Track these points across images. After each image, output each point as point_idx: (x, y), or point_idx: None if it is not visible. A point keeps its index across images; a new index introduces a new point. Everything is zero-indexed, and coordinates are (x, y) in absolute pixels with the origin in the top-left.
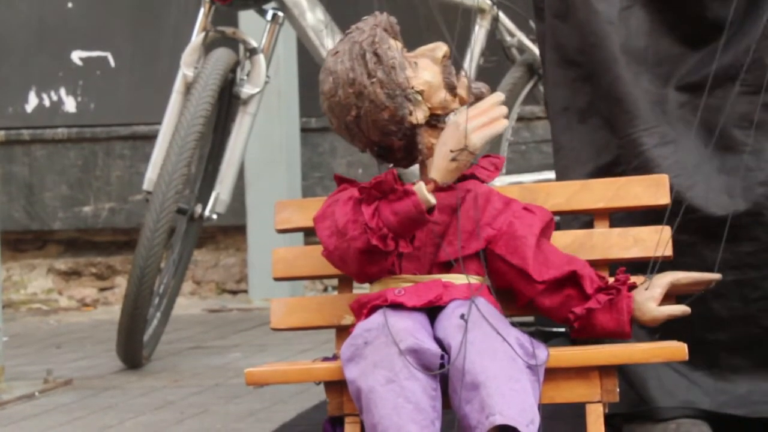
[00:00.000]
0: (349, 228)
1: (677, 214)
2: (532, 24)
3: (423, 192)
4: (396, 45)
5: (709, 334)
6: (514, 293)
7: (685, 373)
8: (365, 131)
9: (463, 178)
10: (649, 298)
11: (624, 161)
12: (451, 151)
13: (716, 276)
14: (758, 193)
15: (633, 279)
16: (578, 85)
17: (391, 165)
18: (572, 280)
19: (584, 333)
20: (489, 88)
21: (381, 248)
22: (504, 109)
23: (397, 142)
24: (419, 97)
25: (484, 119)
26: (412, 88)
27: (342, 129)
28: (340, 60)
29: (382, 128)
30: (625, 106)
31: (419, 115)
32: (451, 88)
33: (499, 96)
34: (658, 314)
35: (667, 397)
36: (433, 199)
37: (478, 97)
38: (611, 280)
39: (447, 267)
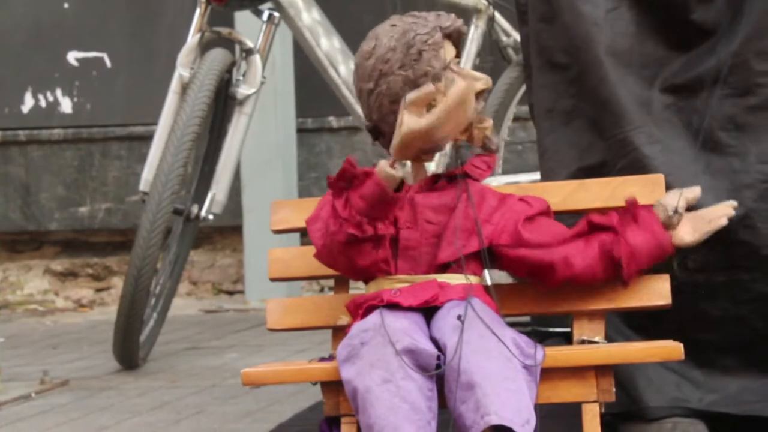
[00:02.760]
0: (330, 224)
1: None
2: None
3: (384, 170)
4: (449, 51)
5: (700, 334)
6: (542, 278)
7: (675, 372)
8: (371, 106)
9: (455, 178)
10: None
11: (610, 163)
12: (398, 125)
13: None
14: (745, 196)
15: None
16: (563, 88)
17: (376, 141)
18: (593, 228)
19: (634, 265)
20: (501, 146)
21: (358, 235)
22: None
23: (389, 132)
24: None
25: (424, 92)
26: (434, 101)
27: (356, 88)
28: (391, 35)
29: (384, 114)
30: (611, 107)
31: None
32: (466, 126)
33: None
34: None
35: (656, 396)
36: (397, 174)
37: (487, 150)
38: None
39: (444, 267)
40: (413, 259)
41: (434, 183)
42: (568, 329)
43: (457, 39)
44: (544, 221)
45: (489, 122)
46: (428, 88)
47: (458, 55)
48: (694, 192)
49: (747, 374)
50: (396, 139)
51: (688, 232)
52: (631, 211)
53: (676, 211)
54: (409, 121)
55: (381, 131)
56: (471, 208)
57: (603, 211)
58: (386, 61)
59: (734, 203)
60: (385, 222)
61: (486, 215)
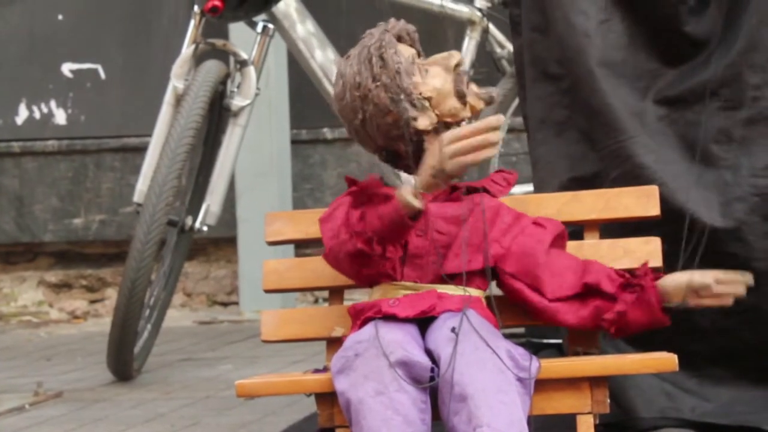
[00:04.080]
0: (341, 231)
1: (666, 223)
2: None
3: (404, 197)
4: (406, 51)
5: (690, 344)
6: (530, 310)
7: (666, 383)
8: (372, 135)
9: (473, 191)
10: (680, 281)
11: (603, 173)
12: (432, 167)
13: (748, 279)
14: (736, 209)
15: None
16: (556, 99)
17: (402, 170)
18: (592, 290)
19: (622, 333)
20: (498, 92)
21: (367, 252)
22: (497, 136)
23: (403, 147)
24: (426, 104)
25: (468, 145)
26: (420, 94)
27: (352, 132)
28: (350, 64)
29: (386, 132)
30: (604, 118)
31: (425, 122)
32: (461, 96)
33: (497, 120)
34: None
35: (648, 407)
36: (417, 204)
37: (488, 102)
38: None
39: (450, 278)
40: (420, 268)
41: (450, 193)
42: (561, 341)
43: (410, 39)
44: (554, 259)
45: (473, 85)
46: (480, 125)
47: (419, 54)
48: (703, 280)
49: (738, 385)
50: (424, 173)
51: (692, 298)
52: (637, 286)
53: (679, 306)
54: (453, 166)
55: (397, 152)
56: (482, 225)
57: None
58: (358, 86)
59: (749, 280)
60: (396, 245)
61: (497, 234)
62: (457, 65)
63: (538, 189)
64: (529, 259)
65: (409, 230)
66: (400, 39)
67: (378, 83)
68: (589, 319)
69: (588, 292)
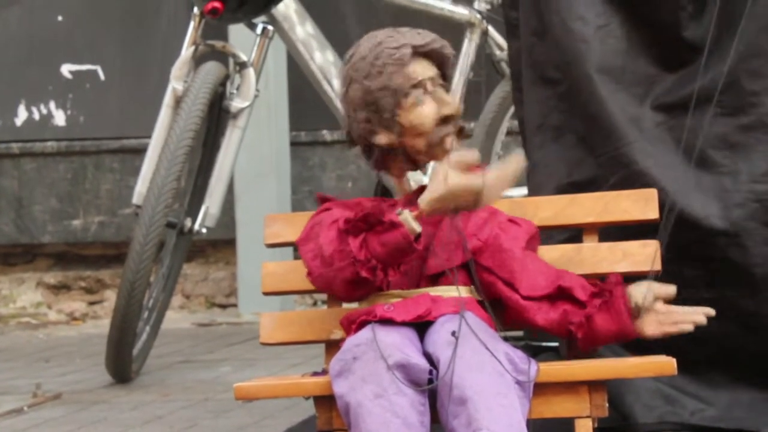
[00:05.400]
0: (336, 258)
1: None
2: None
3: (409, 222)
4: (424, 70)
5: (687, 348)
6: (503, 305)
7: (663, 387)
8: (343, 108)
9: None
10: (643, 288)
11: (601, 179)
12: (443, 200)
13: (709, 312)
14: (735, 215)
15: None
16: (553, 103)
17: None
18: (563, 294)
19: (590, 342)
20: (494, 160)
21: (370, 279)
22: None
23: (355, 137)
24: (397, 129)
25: (504, 183)
26: (395, 116)
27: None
28: (368, 44)
29: (349, 120)
30: (601, 123)
31: (382, 139)
32: (430, 145)
33: (519, 161)
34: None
35: (645, 412)
36: (418, 227)
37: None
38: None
39: (434, 279)
40: (404, 274)
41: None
42: (557, 344)
43: (440, 59)
44: (529, 259)
45: (455, 145)
46: (471, 155)
47: (445, 78)
48: (667, 290)
49: (736, 388)
50: (433, 194)
51: (652, 326)
52: (606, 293)
53: (638, 307)
54: (454, 177)
55: (351, 137)
56: (458, 221)
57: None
58: (356, 69)
59: (710, 311)
60: (396, 268)
61: (474, 229)
62: (448, 117)
63: (535, 193)
64: (505, 254)
65: (415, 252)
66: (426, 55)
67: (365, 83)
68: (557, 322)
69: (560, 295)
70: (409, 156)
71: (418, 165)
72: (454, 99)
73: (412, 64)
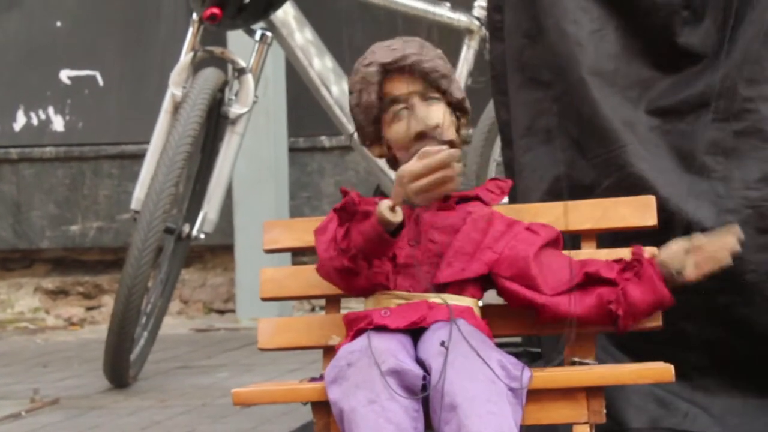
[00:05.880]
0: (330, 248)
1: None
2: None
3: (382, 213)
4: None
5: (680, 353)
6: (535, 313)
7: (655, 390)
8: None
9: (467, 200)
10: (675, 249)
11: (595, 182)
12: (400, 196)
13: (734, 230)
14: (728, 221)
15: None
16: (544, 106)
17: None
18: (593, 279)
19: (631, 318)
20: (492, 167)
21: (353, 268)
22: (457, 169)
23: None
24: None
25: (429, 183)
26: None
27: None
28: (373, 52)
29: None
30: (595, 127)
31: (375, 151)
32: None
33: (450, 156)
34: (683, 247)
35: (638, 417)
36: (395, 218)
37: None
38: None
39: (443, 288)
40: (413, 277)
41: (443, 202)
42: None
43: (423, 73)
44: (549, 258)
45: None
46: (435, 160)
47: (440, 89)
48: (696, 241)
49: (729, 394)
50: (395, 199)
51: (691, 270)
52: (634, 264)
53: (680, 273)
54: (421, 201)
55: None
56: (475, 233)
57: (592, 233)
58: (356, 73)
59: (739, 233)
60: (382, 259)
61: (491, 241)
62: (422, 134)
63: (524, 196)
64: (522, 262)
65: (391, 245)
66: (406, 70)
67: (351, 93)
68: (595, 306)
69: (589, 281)
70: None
71: None
72: (429, 116)
73: (386, 81)
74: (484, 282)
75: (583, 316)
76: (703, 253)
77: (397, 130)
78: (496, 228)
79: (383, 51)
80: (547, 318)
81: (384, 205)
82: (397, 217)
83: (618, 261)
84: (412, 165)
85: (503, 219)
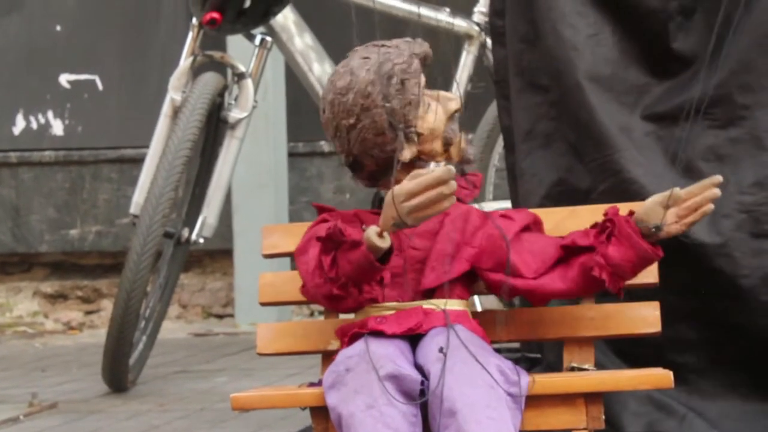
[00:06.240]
0: (316, 274)
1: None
2: None
3: (371, 240)
4: (421, 81)
5: (677, 356)
6: (525, 298)
7: (652, 396)
8: (351, 141)
9: None
10: (650, 203)
11: (591, 186)
12: (393, 218)
13: (716, 179)
14: (723, 226)
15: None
16: (543, 111)
17: (351, 176)
18: (571, 251)
19: (619, 279)
20: (491, 172)
21: (343, 296)
22: (453, 186)
23: (371, 165)
24: (416, 138)
25: (424, 201)
26: (415, 128)
27: (330, 125)
28: (367, 68)
29: (368, 148)
30: (591, 131)
31: (407, 154)
32: (447, 144)
33: (447, 172)
34: (660, 199)
35: (634, 421)
36: (384, 243)
37: (466, 161)
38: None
39: (430, 293)
40: (399, 286)
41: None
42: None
43: (425, 64)
44: (527, 242)
45: (464, 138)
46: (430, 178)
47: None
48: (675, 195)
49: (726, 398)
50: (385, 223)
51: (673, 225)
52: (608, 225)
53: (659, 228)
54: (413, 222)
55: (362, 165)
56: (454, 233)
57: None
58: (367, 96)
59: (718, 178)
60: (371, 284)
61: (468, 238)
62: (456, 111)
63: (524, 200)
64: (500, 251)
65: (381, 270)
66: (422, 62)
67: (387, 105)
68: (579, 276)
69: (568, 254)
70: (425, 160)
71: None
72: (454, 93)
73: (422, 75)
74: (470, 280)
75: (569, 289)
76: (684, 204)
77: (431, 119)
78: (472, 224)
79: (407, 45)
80: (538, 301)
81: (372, 231)
82: (386, 242)
83: (594, 226)
84: (407, 184)
85: (479, 213)
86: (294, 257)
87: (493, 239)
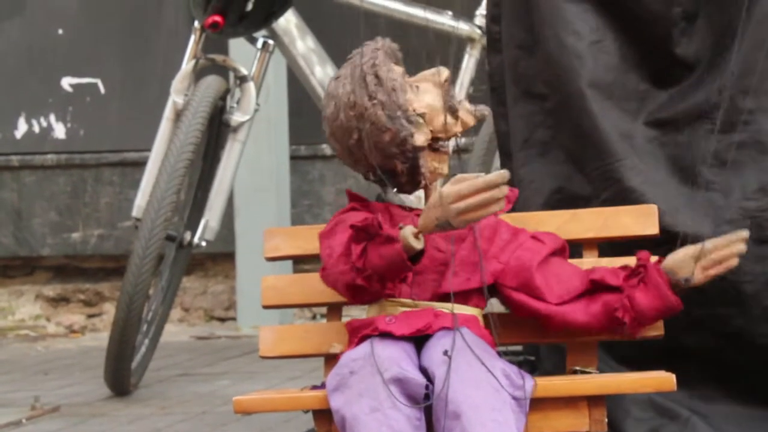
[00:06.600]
0: (341, 261)
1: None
2: None
3: (408, 239)
4: (397, 69)
5: (679, 363)
6: (541, 322)
7: (654, 400)
8: (367, 154)
9: None
10: (682, 255)
11: (592, 195)
12: (437, 219)
13: (742, 234)
14: (726, 232)
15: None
16: (540, 118)
17: (395, 189)
18: (599, 286)
19: (638, 325)
20: (490, 111)
21: (366, 287)
22: (504, 191)
23: (399, 165)
24: (420, 120)
25: (474, 203)
26: (414, 110)
27: (345, 154)
28: (342, 84)
29: (384, 150)
30: (592, 139)
31: (420, 138)
32: (453, 112)
33: (501, 176)
34: (692, 253)
35: (636, 427)
36: (419, 245)
37: (480, 119)
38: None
39: (447, 296)
40: (418, 285)
41: None
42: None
43: (396, 57)
44: (555, 267)
45: (464, 101)
46: (483, 181)
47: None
48: (706, 248)
49: (729, 402)
50: (428, 223)
51: (698, 274)
52: (640, 270)
53: (688, 281)
54: (459, 224)
55: (393, 171)
56: (481, 242)
57: (593, 242)
58: (353, 106)
59: (745, 235)
60: (393, 281)
61: (496, 251)
62: (446, 80)
63: (522, 208)
64: (527, 272)
65: (409, 270)
66: (386, 56)
67: (374, 101)
68: (601, 313)
69: (595, 289)
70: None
71: (440, 167)
72: (436, 68)
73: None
74: (489, 291)
75: (589, 323)
76: (711, 257)
77: (425, 96)
78: (501, 237)
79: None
80: (555, 327)
81: (408, 231)
82: (420, 244)
83: (624, 267)
84: (457, 185)
85: (509, 228)
86: (318, 238)
87: (522, 261)
